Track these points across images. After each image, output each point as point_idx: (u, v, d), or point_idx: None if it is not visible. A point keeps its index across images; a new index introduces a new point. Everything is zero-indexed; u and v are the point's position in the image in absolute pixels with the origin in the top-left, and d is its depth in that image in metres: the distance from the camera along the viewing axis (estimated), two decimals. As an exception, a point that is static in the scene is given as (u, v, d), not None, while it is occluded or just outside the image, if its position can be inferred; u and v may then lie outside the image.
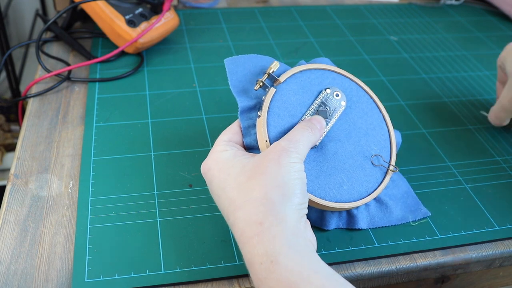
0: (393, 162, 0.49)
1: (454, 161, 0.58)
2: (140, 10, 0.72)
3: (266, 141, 0.44)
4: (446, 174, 0.56)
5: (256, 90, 0.46)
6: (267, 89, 0.46)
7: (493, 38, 0.87)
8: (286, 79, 0.47)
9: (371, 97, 0.51)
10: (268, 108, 0.45)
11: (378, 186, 0.48)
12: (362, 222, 0.48)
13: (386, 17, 0.92)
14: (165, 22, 0.73)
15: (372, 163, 0.48)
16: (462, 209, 0.52)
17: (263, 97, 0.46)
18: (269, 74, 0.46)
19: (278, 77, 0.47)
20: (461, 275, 0.51)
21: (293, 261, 0.35)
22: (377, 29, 0.87)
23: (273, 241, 0.36)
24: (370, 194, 0.47)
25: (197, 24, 0.85)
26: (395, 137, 0.51)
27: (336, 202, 0.45)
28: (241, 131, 0.46)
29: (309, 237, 0.39)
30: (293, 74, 0.48)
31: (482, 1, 1.00)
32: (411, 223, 0.50)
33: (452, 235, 0.49)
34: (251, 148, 0.45)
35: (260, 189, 0.38)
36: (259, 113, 0.45)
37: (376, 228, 0.49)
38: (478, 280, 0.54)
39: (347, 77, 0.51)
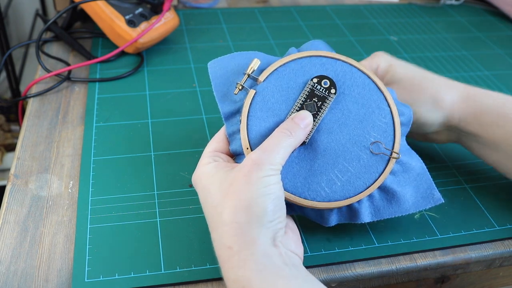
0: (397, 146, 0.45)
1: (454, 161, 0.58)
2: (140, 10, 0.72)
3: (247, 148, 0.42)
4: (446, 174, 0.56)
5: (236, 94, 0.44)
6: (247, 91, 0.44)
7: (493, 38, 0.87)
8: (267, 76, 0.44)
9: (369, 77, 0.46)
10: (249, 111, 0.43)
11: (379, 176, 0.44)
12: (365, 216, 0.45)
13: (386, 17, 0.92)
14: (165, 22, 0.73)
15: (371, 151, 0.44)
16: (462, 209, 0.52)
17: (244, 100, 0.44)
18: (249, 75, 0.44)
19: (259, 74, 0.44)
20: (461, 275, 0.51)
21: (265, 285, 0.34)
22: (377, 29, 0.87)
23: (243, 266, 0.35)
24: (369, 187, 0.44)
25: (197, 24, 0.85)
26: (406, 114, 0.47)
27: (329, 201, 0.43)
28: (227, 138, 0.44)
29: (293, 249, 0.38)
30: (275, 70, 0.45)
31: (482, 1, 1.00)
32: (417, 215, 0.48)
33: (452, 235, 0.49)
34: (239, 154, 0.44)
35: (230, 211, 0.37)
36: (240, 118, 0.43)
37: (377, 227, 0.49)
38: (478, 280, 0.54)
39: (338, 59, 0.46)
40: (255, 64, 0.44)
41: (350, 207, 0.45)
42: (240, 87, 0.44)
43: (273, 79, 0.45)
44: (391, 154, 0.44)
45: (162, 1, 0.73)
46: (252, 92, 0.44)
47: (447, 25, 0.91)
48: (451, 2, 0.99)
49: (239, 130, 0.43)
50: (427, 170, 0.47)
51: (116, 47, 0.72)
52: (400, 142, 0.45)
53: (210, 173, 0.41)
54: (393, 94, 0.48)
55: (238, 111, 0.44)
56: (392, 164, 0.44)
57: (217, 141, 0.44)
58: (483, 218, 0.51)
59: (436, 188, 0.47)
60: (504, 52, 0.82)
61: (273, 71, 0.45)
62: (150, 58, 0.73)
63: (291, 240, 0.39)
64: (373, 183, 0.44)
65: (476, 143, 0.51)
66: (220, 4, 0.93)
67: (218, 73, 0.46)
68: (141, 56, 0.73)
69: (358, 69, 0.47)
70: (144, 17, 0.71)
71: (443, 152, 0.59)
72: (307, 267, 0.45)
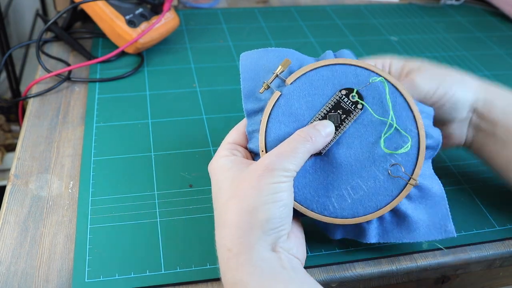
0: (417, 172, 0.42)
1: (454, 161, 0.58)
2: (140, 10, 0.72)
3: (262, 151, 0.41)
4: (446, 174, 0.56)
5: (261, 93, 0.43)
6: (273, 92, 0.43)
7: (493, 38, 0.87)
8: (295, 80, 0.43)
9: (402, 94, 0.43)
10: (270, 113, 0.42)
11: (393, 200, 0.42)
12: (372, 236, 0.43)
13: (386, 17, 0.92)
14: (165, 22, 0.73)
15: (389, 173, 0.42)
16: (462, 209, 0.52)
17: (268, 100, 0.43)
18: (277, 75, 0.42)
19: (289, 75, 0.43)
20: (461, 275, 0.51)
21: None
22: (377, 29, 0.87)
23: (241, 270, 0.35)
24: (380, 209, 0.42)
25: (197, 24, 0.85)
26: (435, 137, 0.44)
27: (336, 217, 0.42)
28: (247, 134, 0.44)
29: (294, 253, 0.38)
30: (305, 73, 0.43)
31: (482, 1, 1.00)
32: (425, 244, 0.47)
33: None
34: (256, 153, 0.42)
35: (233, 213, 0.37)
36: (261, 118, 0.42)
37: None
38: (478, 280, 0.54)
39: (373, 71, 0.44)
40: (285, 64, 0.43)
41: (357, 224, 0.43)
42: (266, 87, 0.42)
43: (300, 83, 0.43)
44: (409, 180, 0.42)
45: (162, 1, 0.73)
46: (277, 93, 0.42)
47: (447, 25, 0.91)
48: (451, 2, 0.99)
49: (259, 130, 0.42)
50: (446, 199, 0.44)
51: (116, 47, 0.72)
52: (421, 168, 0.43)
53: (225, 167, 0.40)
54: (419, 106, 0.45)
55: (260, 110, 0.43)
56: (408, 191, 0.42)
57: (238, 133, 0.43)
58: (483, 218, 0.51)
59: (451, 220, 0.44)
60: (504, 52, 0.82)
61: (301, 75, 0.43)
62: (150, 58, 0.73)
63: (293, 244, 0.39)
64: (385, 206, 0.42)
65: (493, 137, 0.49)
66: (220, 4, 0.93)
67: (248, 67, 0.44)
68: (141, 56, 0.73)
69: (392, 84, 0.44)
70: (144, 17, 0.71)
71: (443, 152, 0.59)
72: (307, 267, 0.45)
